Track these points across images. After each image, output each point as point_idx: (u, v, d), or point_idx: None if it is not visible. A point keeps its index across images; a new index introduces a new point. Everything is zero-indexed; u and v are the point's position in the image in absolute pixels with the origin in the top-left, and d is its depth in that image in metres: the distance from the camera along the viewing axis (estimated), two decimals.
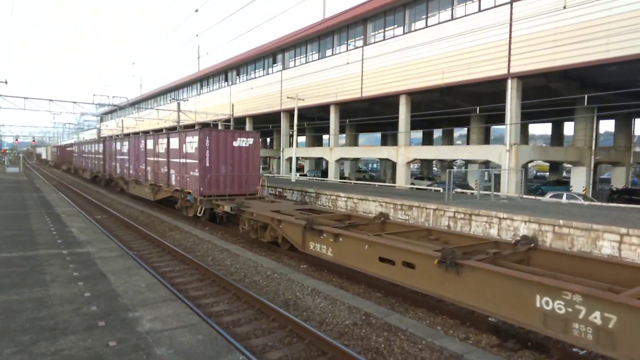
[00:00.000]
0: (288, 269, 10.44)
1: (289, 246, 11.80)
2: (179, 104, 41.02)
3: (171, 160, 19.06)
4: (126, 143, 26.10)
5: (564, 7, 19.91)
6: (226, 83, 50.70)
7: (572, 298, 5.41)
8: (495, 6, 23.22)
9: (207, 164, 16.34)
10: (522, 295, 5.98)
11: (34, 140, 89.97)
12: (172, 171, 19.01)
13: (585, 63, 19.89)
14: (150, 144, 21.78)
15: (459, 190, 24.55)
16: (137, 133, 58.01)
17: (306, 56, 38.00)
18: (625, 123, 33.93)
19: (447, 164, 46.33)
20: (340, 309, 7.68)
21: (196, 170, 16.41)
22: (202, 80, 56.95)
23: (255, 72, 45.63)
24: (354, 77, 31.79)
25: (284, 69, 40.30)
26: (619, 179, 32.47)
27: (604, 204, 19.72)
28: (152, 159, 21.42)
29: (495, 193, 20.52)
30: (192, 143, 16.83)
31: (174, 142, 18.68)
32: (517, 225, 13.39)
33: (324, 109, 36.32)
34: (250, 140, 17.57)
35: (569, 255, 7.75)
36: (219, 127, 45.00)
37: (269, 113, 42.17)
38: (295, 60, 39.49)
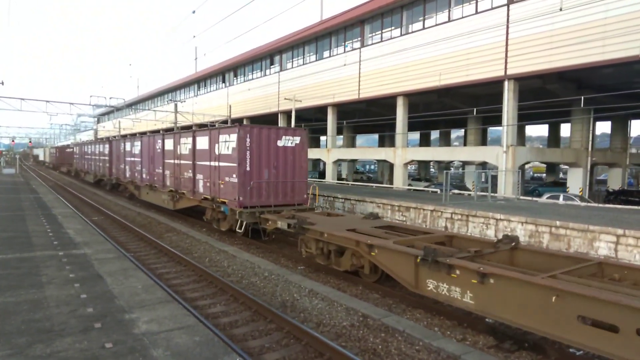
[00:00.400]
0: (285, 270, 10.43)
1: (378, 278, 9.35)
2: (176, 105, 40.97)
3: (198, 163, 16.47)
4: (138, 143, 23.22)
5: (560, 10, 20.01)
6: (223, 84, 50.68)
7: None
8: (492, 8, 23.30)
9: (248, 168, 13.56)
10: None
11: (30, 142, 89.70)
12: (199, 176, 16.37)
13: (581, 65, 19.97)
14: (169, 144, 19.09)
15: (456, 191, 24.59)
16: (134, 134, 57.90)
17: (304, 57, 38.02)
18: (622, 125, 34.10)
19: (444, 165, 46.47)
20: (338, 310, 7.68)
21: (234, 175, 13.68)
22: (200, 81, 56.90)
23: (252, 74, 45.63)
24: (352, 79, 31.83)
25: (281, 70, 40.31)
26: (615, 180, 32.61)
27: (601, 205, 19.79)
28: (172, 161, 18.72)
29: (492, 194, 20.57)
30: (228, 143, 14.08)
31: (202, 142, 16.02)
32: (514, 227, 13.42)
33: (321, 111, 36.33)
34: (297, 139, 14.83)
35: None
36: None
37: (267, 114, 42.16)
38: (292, 61, 39.51)
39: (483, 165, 33.29)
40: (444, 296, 7.20)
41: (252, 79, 45.00)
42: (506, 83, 22.86)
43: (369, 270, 9.25)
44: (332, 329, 6.96)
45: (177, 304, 6.12)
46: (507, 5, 22.40)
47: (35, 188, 27.08)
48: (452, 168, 49.64)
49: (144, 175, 22.30)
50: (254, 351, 6.15)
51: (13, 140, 73.86)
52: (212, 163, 15.26)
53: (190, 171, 17.01)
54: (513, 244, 8.15)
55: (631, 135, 36.18)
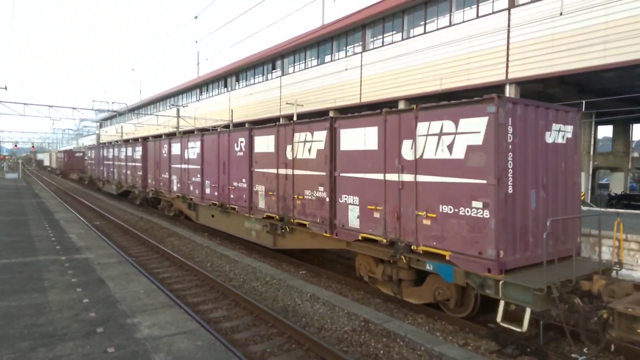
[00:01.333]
0: (287, 275, 10.43)
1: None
2: (178, 110, 41.13)
3: (349, 175, 9.30)
4: (196, 144, 16.66)
5: (560, 14, 20.06)
6: (225, 89, 50.85)
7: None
8: (493, 12, 23.38)
9: (511, 190, 6.83)
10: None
11: (33, 146, 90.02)
12: (349, 199, 9.24)
13: (582, 69, 19.99)
14: (264, 142, 12.26)
15: None
16: (134, 138, 58.02)
17: (305, 62, 38.17)
18: (624, 128, 34.05)
19: None
20: (339, 315, 7.68)
21: (482, 201, 6.74)
22: (202, 86, 57.11)
23: (254, 78, 45.79)
24: (353, 83, 31.91)
25: (283, 74, 40.45)
26: (617, 184, 32.52)
27: (602, 209, 19.73)
28: (272, 171, 11.74)
29: None
30: (466, 137, 7.01)
31: (373, 134, 8.73)
32: None
33: (323, 115, 36.39)
34: (569, 130, 8.40)
35: None
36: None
37: (268, 119, 42.22)
38: (294, 66, 39.65)
39: None
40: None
41: (254, 83, 45.16)
42: (507, 87, 22.89)
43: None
44: (334, 334, 6.95)
45: (178, 308, 6.14)
46: (508, 9, 22.48)
47: (38, 193, 27.17)
48: None
49: (207, 190, 15.73)
50: (256, 356, 6.15)
51: (16, 145, 74.14)
52: (390, 175, 8.29)
53: (322, 188, 9.98)
54: None
55: (633, 139, 36.10)
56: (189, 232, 16.54)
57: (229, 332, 6.99)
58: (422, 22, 27.46)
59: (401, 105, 28.82)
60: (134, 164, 24.24)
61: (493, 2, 23.74)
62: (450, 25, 25.59)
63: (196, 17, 22.79)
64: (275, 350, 6.38)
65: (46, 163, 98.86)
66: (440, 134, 7.46)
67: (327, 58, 35.47)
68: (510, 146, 6.85)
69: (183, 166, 17.84)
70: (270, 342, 6.65)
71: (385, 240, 8.31)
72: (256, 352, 6.29)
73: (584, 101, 21.88)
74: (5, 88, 35.10)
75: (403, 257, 7.88)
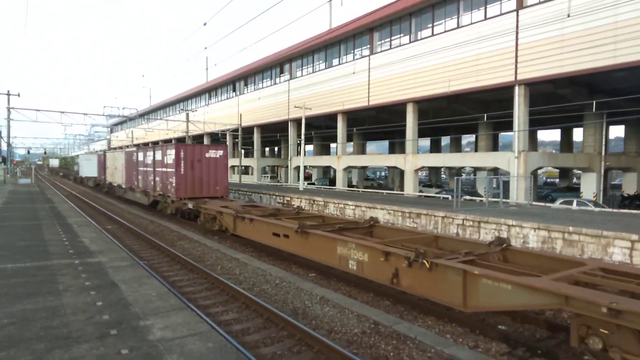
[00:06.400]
0: (297, 278, 10.47)
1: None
2: (187, 115, 41.48)
3: None
4: None
5: (568, 15, 19.94)
6: (234, 93, 51.19)
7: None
8: (502, 14, 23.32)
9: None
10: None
11: (45, 152, 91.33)
12: None
13: (592, 69, 19.86)
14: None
15: (467, 197, 24.46)
16: (144, 143, 58.47)
17: (313, 66, 38.31)
18: (636, 128, 33.64)
19: (455, 171, 46.21)
20: (349, 317, 7.69)
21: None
22: (211, 90, 57.56)
23: (262, 82, 46.05)
24: (361, 86, 31.97)
25: (291, 78, 40.63)
26: (630, 184, 32.12)
27: (615, 210, 19.52)
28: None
29: (504, 200, 20.41)
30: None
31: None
32: (526, 233, 13.32)
33: (331, 118, 36.51)
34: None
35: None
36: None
37: (277, 122, 42.47)
38: (302, 69, 39.82)
39: (494, 171, 33.06)
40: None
41: (263, 87, 45.42)
42: (516, 88, 22.79)
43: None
44: (344, 336, 6.97)
45: (190, 311, 6.20)
46: (517, 10, 22.41)
47: (51, 197, 27.56)
48: (463, 174, 49.43)
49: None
50: (266, 358, 6.20)
51: (28, 151, 75.36)
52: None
53: None
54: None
55: None
56: (199, 235, 16.67)
57: (239, 334, 7.05)
58: (430, 25, 27.46)
59: (409, 108, 28.81)
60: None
61: (501, 3, 23.68)
62: (458, 27, 25.55)
63: (205, 24, 23.00)
64: (285, 352, 6.42)
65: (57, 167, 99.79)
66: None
67: (335, 61, 35.59)
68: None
69: None
70: (280, 344, 6.69)
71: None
72: (267, 354, 6.33)
73: (594, 101, 21.71)
74: (18, 95, 35.78)
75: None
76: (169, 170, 20.38)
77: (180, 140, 45.28)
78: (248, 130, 46.57)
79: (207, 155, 20.06)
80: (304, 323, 7.39)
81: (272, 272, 10.86)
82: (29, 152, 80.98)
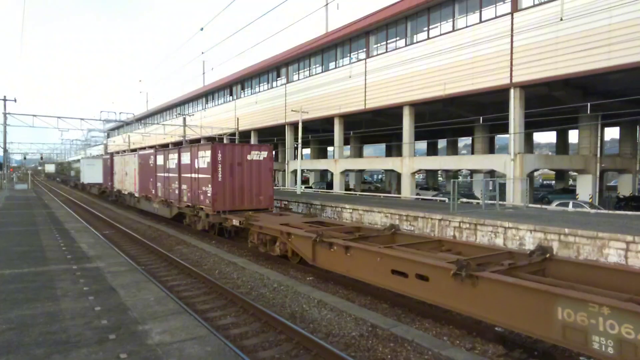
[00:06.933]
0: (294, 282, 10.50)
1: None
2: (184, 119, 41.51)
3: None
4: None
5: (561, 19, 20.11)
6: (231, 97, 51.26)
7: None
8: (496, 17, 23.48)
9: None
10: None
11: (42, 157, 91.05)
12: None
13: (587, 72, 20.01)
14: None
15: (464, 200, 24.55)
16: (141, 147, 58.36)
17: (310, 69, 38.43)
18: (630, 130, 33.89)
19: (452, 174, 46.38)
20: (347, 321, 7.73)
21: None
22: (208, 95, 57.61)
23: (259, 86, 46.14)
24: (358, 89, 32.08)
25: (287, 82, 40.73)
26: (625, 186, 32.32)
27: (611, 211, 19.65)
28: None
29: (501, 202, 20.51)
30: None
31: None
32: (522, 235, 13.40)
33: (328, 121, 36.60)
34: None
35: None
36: (224, 141, 45.45)
37: (274, 126, 42.51)
38: (299, 73, 39.93)
39: (491, 173, 33.20)
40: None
41: (259, 91, 45.51)
42: (512, 91, 22.94)
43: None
44: (342, 339, 7.01)
45: (188, 315, 6.23)
46: (511, 13, 22.57)
47: (47, 203, 27.50)
48: (460, 177, 49.54)
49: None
50: None
51: (24, 157, 75.13)
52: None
53: None
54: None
55: None
56: (197, 240, 16.69)
57: (238, 338, 7.08)
58: (426, 28, 27.62)
59: (406, 111, 28.93)
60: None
61: (496, 6, 23.86)
62: (454, 30, 25.71)
63: (202, 29, 23.08)
64: (283, 355, 6.46)
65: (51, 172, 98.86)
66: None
67: (332, 65, 35.71)
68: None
69: None
70: (278, 347, 6.72)
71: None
72: (265, 357, 6.37)
73: (589, 104, 21.86)
74: (15, 100, 35.71)
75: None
76: (201, 176, 16.75)
77: (177, 144, 45.28)
78: (245, 134, 46.62)
79: (248, 157, 16.57)
80: (301, 326, 7.42)
81: (269, 276, 10.89)
82: (25, 158, 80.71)
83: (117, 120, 41.78)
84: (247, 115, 45.86)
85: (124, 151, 59.68)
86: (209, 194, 16.26)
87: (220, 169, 16.08)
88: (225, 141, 46.26)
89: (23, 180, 62.67)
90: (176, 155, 19.27)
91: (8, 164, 43.69)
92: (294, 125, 37.76)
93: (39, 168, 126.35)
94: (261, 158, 16.92)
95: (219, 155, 16.11)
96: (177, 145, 43.14)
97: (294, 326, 7.18)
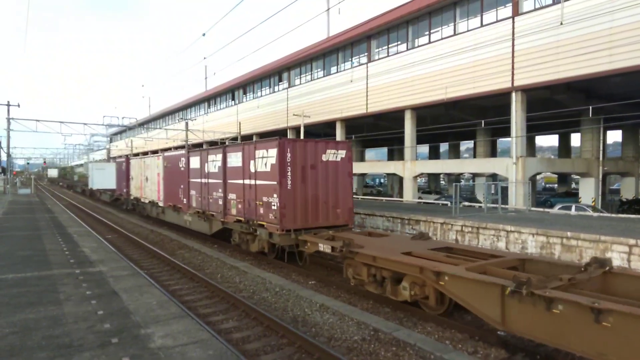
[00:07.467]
0: (297, 285, 10.50)
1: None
2: (187, 124, 41.63)
3: None
4: None
5: (561, 23, 20.13)
6: (233, 102, 51.42)
7: None
8: (498, 21, 23.54)
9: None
10: None
11: (45, 162, 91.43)
12: None
13: (588, 75, 20.01)
14: None
15: (466, 203, 24.53)
16: (144, 152, 58.49)
17: (311, 74, 38.55)
18: (633, 133, 33.84)
19: (454, 178, 46.32)
20: (349, 325, 7.73)
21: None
22: (210, 99, 57.81)
23: (261, 91, 46.29)
24: (359, 94, 32.15)
25: (289, 87, 40.85)
26: (628, 189, 32.22)
27: (613, 215, 19.59)
28: None
29: (503, 206, 20.49)
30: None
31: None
32: (524, 238, 13.37)
33: (330, 125, 36.65)
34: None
35: None
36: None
37: (276, 130, 42.58)
38: (300, 78, 40.05)
39: (493, 176, 33.17)
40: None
41: (261, 96, 45.64)
42: (513, 94, 22.95)
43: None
44: (344, 344, 7.01)
45: (190, 319, 6.25)
46: (512, 17, 22.62)
47: (50, 207, 27.60)
48: (462, 180, 49.50)
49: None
50: None
51: (28, 163, 75.52)
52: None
53: None
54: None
55: None
56: (199, 244, 16.71)
57: (240, 342, 7.08)
58: (427, 32, 27.69)
59: (407, 115, 28.96)
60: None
61: (497, 10, 23.91)
62: (455, 34, 25.77)
63: (204, 35, 23.21)
64: None
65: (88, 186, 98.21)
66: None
67: (333, 69, 35.80)
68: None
69: None
70: (280, 352, 6.73)
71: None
72: None
73: (590, 107, 21.85)
74: (18, 105, 35.92)
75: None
76: (261, 183, 13.02)
77: (178, 148, 45.28)
78: (247, 139, 46.74)
79: (323, 157, 12.91)
80: (303, 331, 7.42)
81: (272, 280, 10.89)
82: (28, 163, 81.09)
83: (120, 125, 41.94)
84: (249, 120, 45.99)
85: (146, 153, 59.34)
86: (273, 206, 12.44)
87: (290, 173, 12.37)
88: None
89: (26, 184, 62.90)
90: (220, 157, 15.68)
91: (11, 168, 43.75)
92: (296, 130, 37.83)
93: (43, 173, 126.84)
94: (338, 159, 13.27)
95: (288, 154, 12.34)
96: (178, 148, 43.24)
97: (295, 330, 7.18)
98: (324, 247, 10.67)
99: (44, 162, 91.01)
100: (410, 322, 8.22)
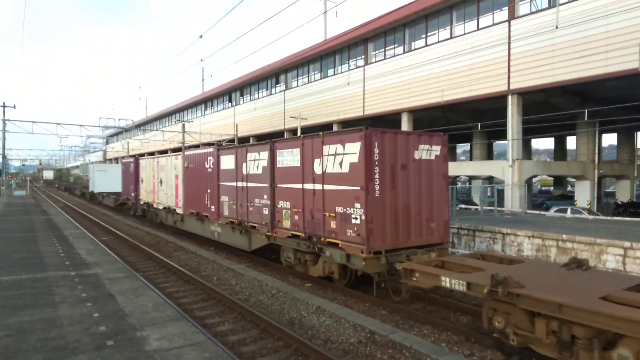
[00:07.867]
0: (293, 288, 10.49)
1: None
2: (183, 126, 41.57)
3: None
4: None
5: (556, 27, 20.25)
6: (230, 104, 51.40)
7: None
8: (494, 24, 23.66)
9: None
10: None
11: (40, 163, 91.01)
12: None
13: (584, 78, 20.13)
14: None
15: (463, 206, 24.59)
16: (141, 154, 58.33)
17: (308, 76, 38.60)
18: (628, 136, 34.05)
19: (450, 180, 46.41)
20: (345, 327, 7.73)
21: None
22: (207, 101, 57.76)
23: (258, 93, 46.29)
24: (356, 96, 32.22)
25: (286, 89, 40.88)
26: (623, 192, 32.41)
27: (609, 217, 19.68)
28: None
29: (499, 208, 20.55)
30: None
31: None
32: (520, 241, 13.42)
33: (327, 128, 36.68)
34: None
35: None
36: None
37: (273, 133, 42.58)
38: (297, 80, 40.10)
39: (489, 179, 33.26)
40: None
41: (258, 98, 45.66)
42: (509, 98, 23.06)
43: None
44: (340, 346, 7.01)
45: (186, 321, 6.24)
46: (508, 21, 22.75)
47: (46, 209, 27.48)
48: (458, 183, 49.61)
49: None
50: None
51: (23, 164, 75.19)
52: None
53: None
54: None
55: (638, 147, 36.04)
56: (195, 246, 16.67)
57: (236, 345, 7.07)
58: (424, 35, 27.80)
59: (404, 118, 29.02)
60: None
61: (493, 14, 24.04)
62: (452, 37, 25.88)
63: (201, 37, 23.22)
64: None
65: (90, 188, 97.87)
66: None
67: (330, 72, 35.86)
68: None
69: None
70: (276, 354, 6.72)
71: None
72: None
73: (586, 110, 21.97)
74: (14, 107, 35.79)
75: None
76: (332, 188, 10.09)
77: (175, 150, 44.97)
78: (244, 141, 46.71)
79: (416, 155, 10.11)
80: (300, 333, 7.42)
81: (268, 282, 10.88)
82: (23, 164, 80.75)
83: (116, 126, 41.85)
84: (246, 122, 45.97)
85: (166, 151, 58.76)
86: (354, 220, 9.49)
87: (377, 176, 9.43)
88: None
89: (22, 186, 62.60)
90: (265, 154, 12.69)
91: (7, 170, 43.53)
92: (293, 132, 37.84)
93: (39, 174, 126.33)
94: (432, 156, 10.46)
95: (376, 150, 9.41)
96: (177, 150, 43.17)
97: (292, 333, 7.17)
98: (453, 283, 6.92)
99: (40, 163, 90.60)
100: (407, 325, 8.23)
